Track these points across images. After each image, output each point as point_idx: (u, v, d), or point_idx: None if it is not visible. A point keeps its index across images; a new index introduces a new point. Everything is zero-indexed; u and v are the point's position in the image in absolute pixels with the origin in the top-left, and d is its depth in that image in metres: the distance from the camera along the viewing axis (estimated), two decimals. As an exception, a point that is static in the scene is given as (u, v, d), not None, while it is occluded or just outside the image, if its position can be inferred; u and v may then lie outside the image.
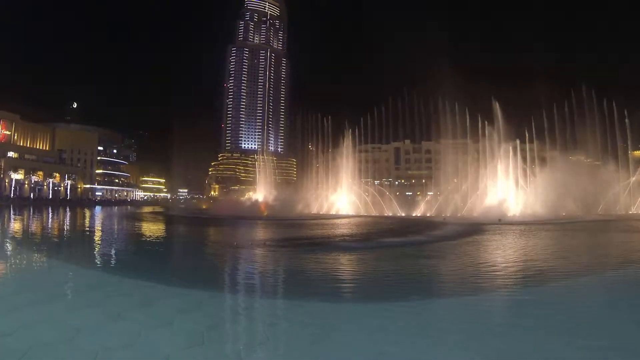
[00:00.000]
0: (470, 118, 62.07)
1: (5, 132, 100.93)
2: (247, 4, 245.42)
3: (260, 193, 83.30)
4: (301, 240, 21.49)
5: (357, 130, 77.12)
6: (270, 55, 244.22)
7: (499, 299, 8.87)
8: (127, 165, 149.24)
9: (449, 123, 64.42)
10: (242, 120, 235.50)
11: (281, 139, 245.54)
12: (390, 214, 62.46)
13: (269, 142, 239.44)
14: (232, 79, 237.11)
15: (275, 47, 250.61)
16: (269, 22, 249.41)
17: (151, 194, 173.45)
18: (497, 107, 58.04)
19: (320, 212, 65.71)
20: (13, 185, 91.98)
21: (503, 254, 16.67)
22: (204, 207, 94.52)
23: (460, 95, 61.96)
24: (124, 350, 5.15)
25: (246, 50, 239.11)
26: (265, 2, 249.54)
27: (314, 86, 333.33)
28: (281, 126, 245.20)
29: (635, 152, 68.49)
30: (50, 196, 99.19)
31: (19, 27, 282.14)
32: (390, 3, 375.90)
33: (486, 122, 59.89)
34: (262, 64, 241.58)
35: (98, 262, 13.99)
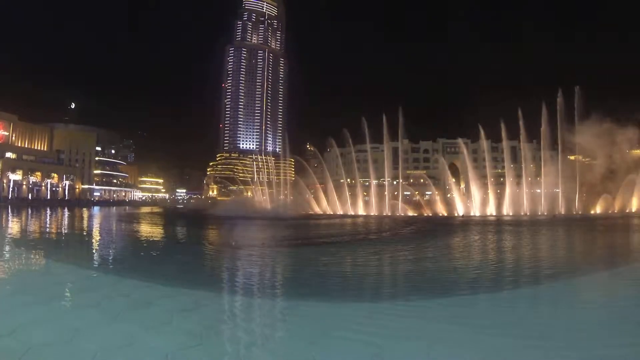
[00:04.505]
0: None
1: (3, 132, 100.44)
2: (245, 3, 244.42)
3: (261, 193, 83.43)
4: (305, 240, 21.48)
5: (355, 129, 77.26)
6: (269, 55, 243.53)
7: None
8: (126, 165, 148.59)
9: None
10: (240, 120, 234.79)
11: (279, 139, 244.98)
12: (389, 214, 62.90)
13: (267, 142, 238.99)
14: (230, 79, 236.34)
15: (274, 47, 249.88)
16: (267, 22, 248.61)
17: (149, 194, 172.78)
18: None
19: (327, 213, 66.15)
20: (11, 185, 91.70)
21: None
22: (203, 206, 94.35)
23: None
24: (123, 351, 5.16)
25: (244, 50, 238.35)
26: (264, 2, 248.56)
27: (312, 86, 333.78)
28: (279, 126, 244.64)
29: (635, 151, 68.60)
30: (49, 197, 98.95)
31: (17, 27, 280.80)
32: (390, 3, 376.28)
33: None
34: (260, 64, 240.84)
35: (96, 263, 13.99)
